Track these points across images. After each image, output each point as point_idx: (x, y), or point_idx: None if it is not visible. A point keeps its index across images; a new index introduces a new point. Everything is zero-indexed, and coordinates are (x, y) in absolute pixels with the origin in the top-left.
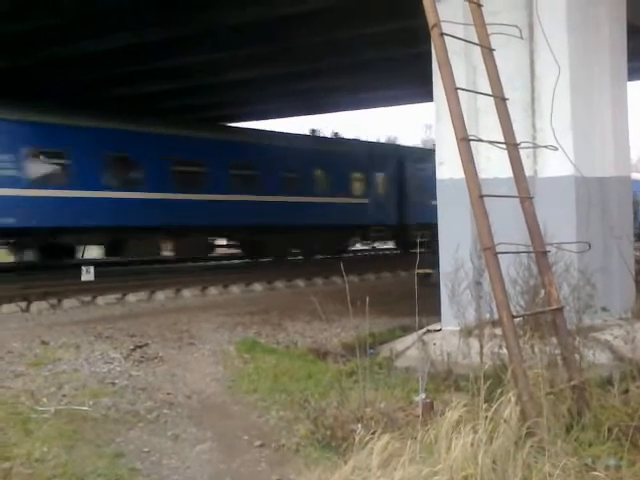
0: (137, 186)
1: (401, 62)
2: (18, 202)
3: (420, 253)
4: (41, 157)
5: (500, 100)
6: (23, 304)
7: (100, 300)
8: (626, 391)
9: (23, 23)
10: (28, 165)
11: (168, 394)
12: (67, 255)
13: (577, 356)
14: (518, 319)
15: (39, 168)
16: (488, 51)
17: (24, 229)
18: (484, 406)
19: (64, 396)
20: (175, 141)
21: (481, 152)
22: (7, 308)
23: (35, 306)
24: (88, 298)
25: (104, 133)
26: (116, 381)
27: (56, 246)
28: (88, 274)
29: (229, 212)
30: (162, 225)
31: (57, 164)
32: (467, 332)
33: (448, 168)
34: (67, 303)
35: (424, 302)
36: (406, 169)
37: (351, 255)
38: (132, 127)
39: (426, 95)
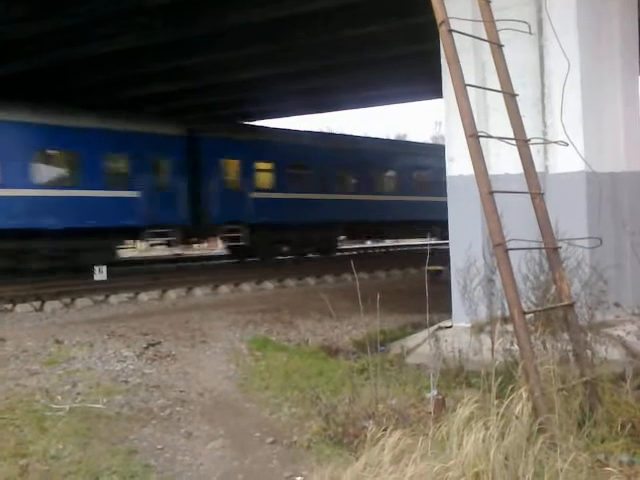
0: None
1: (410, 59)
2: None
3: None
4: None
5: (510, 96)
6: (37, 304)
7: (113, 299)
8: (639, 387)
9: (37, 26)
10: None
11: (181, 392)
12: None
13: (589, 352)
14: (529, 315)
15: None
16: (497, 47)
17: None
18: (496, 402)
19: (78, 394)
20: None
21: (491, 149)
22: (21, 308)
23: (49, 305)
24: (101, 297)
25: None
26: (129, 379)
27: None
28: (101, 274)
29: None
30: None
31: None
32: (478, 328)
33: (458, 165)
34: (80, 302)
35: (434, 299)
36: None
37: None
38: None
39: (435, 92)
